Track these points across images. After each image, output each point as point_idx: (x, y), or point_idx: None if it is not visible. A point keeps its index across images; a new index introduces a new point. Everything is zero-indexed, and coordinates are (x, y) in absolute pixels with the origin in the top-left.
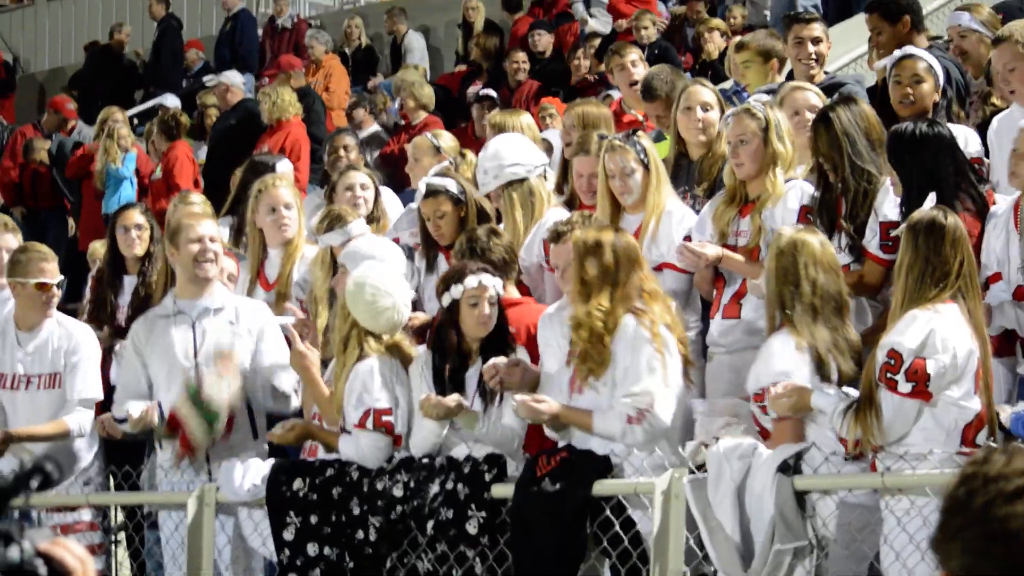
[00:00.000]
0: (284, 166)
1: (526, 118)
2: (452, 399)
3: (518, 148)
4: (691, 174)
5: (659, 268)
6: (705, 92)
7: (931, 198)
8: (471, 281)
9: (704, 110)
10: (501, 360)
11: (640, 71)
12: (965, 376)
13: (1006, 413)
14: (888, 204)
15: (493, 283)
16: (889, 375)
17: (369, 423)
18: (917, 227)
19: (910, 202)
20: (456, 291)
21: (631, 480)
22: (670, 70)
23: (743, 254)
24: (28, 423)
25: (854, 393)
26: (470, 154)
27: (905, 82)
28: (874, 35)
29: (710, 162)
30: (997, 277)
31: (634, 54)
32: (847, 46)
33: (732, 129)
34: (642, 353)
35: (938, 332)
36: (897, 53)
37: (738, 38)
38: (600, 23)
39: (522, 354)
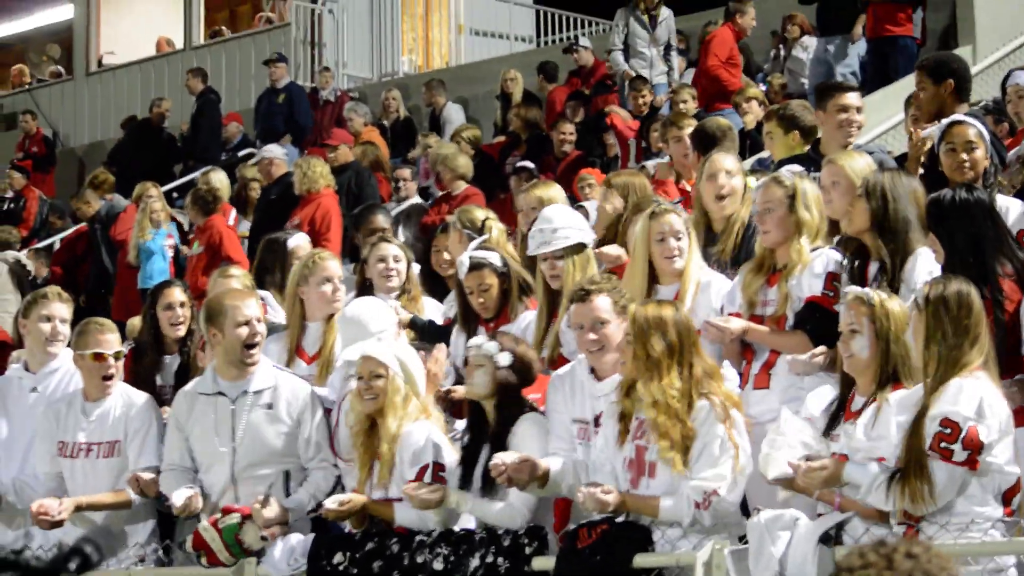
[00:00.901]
0: (298, 240)
1: (556, 190)
2: (434, 492)
3: (573, 216)
4: (715, 244)
5: None
6: (727, 160)
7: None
8: (471, 341)
9: (729, 175)
10: (509, 456)
11: None
12: (1006, 441)
13: None
14: (920, 274)
15: (485, 347)
16: (944, 444)
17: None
18: (945, 296)
19: (953, 269)
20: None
21: (672, 552)
22: None
23: (770, 323)
24: (87, 492)
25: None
26: (496, 228)
27: (960, 149)
28: (917, 90)
29: (729, 226)
30: None
31: (691, 127)
32: (883, 114)
33: (759, 197)
34: (715, 436)
35: (985, 399)
36: (945, 121)
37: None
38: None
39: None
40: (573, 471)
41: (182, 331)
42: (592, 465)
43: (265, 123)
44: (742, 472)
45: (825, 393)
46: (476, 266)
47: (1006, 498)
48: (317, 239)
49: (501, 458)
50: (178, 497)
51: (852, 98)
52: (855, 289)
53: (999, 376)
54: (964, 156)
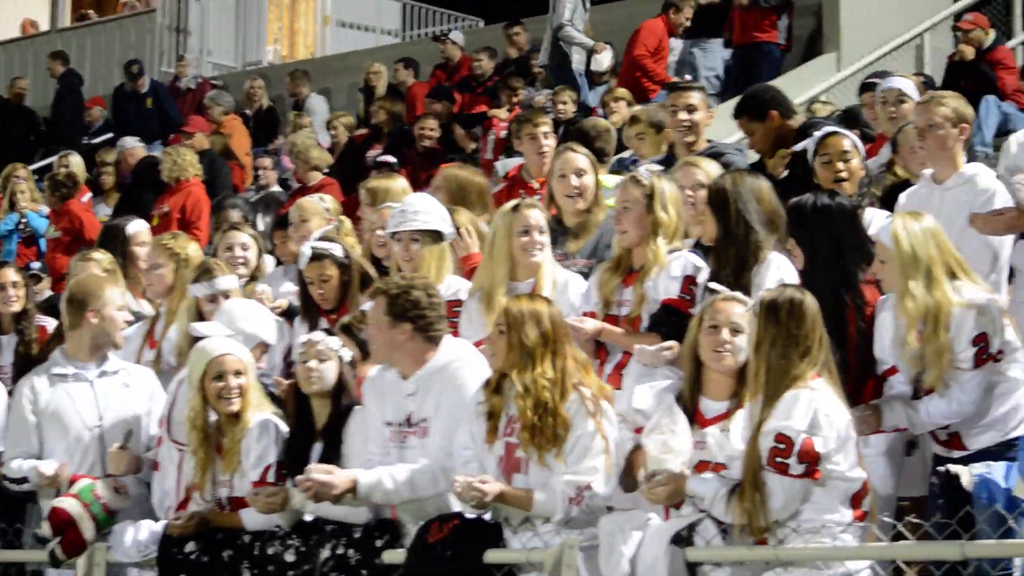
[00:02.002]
0: (137, 226)
1: (401, 182)
2: (277, 495)
3: (437, 206)
4: (565, 240)
5: None
6: (579, 159)
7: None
8: (302, 338)
9: (579, 175)
10: (318, 470)
11: (550, 143)
12: (848, 447)
13: (967, 477)
14: (769, 280)
15: (328, 342)
16: (779, 459)
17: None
18: (777, 303)
19: (815, 274)
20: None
21: (523, 550)
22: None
23: (625, 324)
24: None
25: (731, 477)
26: (347, 221)
27: (835, 159)
28: (749, 138)
29: (586, 222)
30: (893, 370)
31: (546, 126)
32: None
33: (617, 196)
34: (586, 429)
35: (821, 410)
36: (818, 133)
37: (634, 109)
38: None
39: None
40: (393, 483)
41: (15, 307)
42: (458, 464)
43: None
44: (614, 466)
45: (649, 392)
46: (317, 257)
47: (855, 501)
48: (188, 228)
49: (309, 472)
50: (47, 467)
51: (690, 96)
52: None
53: (840, 383)
54: (840, 166)
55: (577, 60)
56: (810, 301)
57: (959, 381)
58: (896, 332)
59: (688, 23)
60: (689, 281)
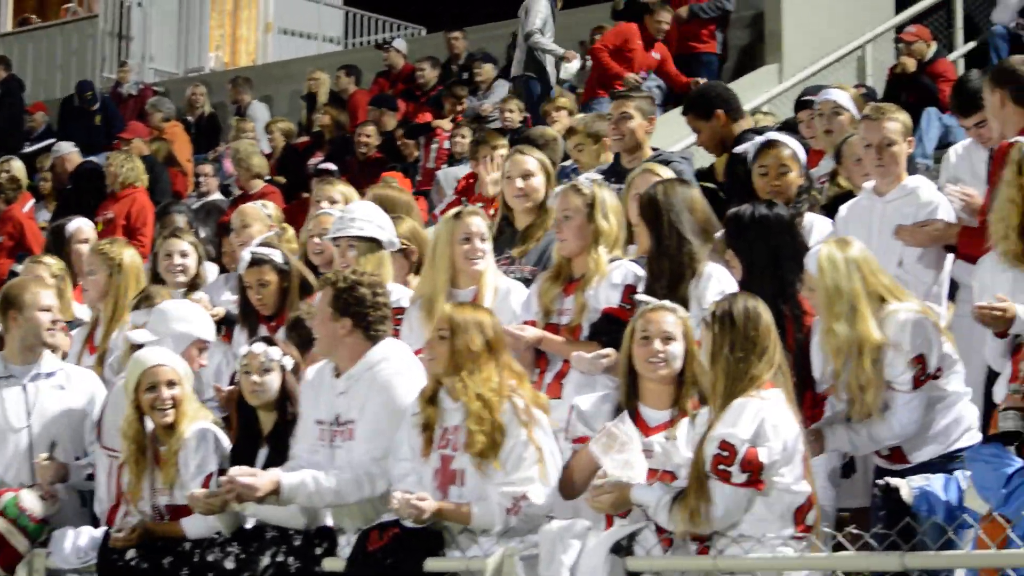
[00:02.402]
0: (78, 223)
1: (343, 189)
2: (217, 496)
3: (379, 214)
4: (514, 241)
5: None
6: (528, 161)
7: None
8: (243, 350)
9: (525, 178)
10: (240, 472)
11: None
12: (794, 460)
13: (907, 489)
14: (711, 292)
15: (270, 353)
16: (722, 467)
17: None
18: (730, 311)
19: (753, 285)
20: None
21: (462, 558)
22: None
23: (565, 333)
24: None
25: (676, 485)
26: (290, 228)
27: (772, 174)
28: (696, 135)
29: (535, 229)
30: (833, 390)
31: (504, 148)
32: (686, 128)
33: (558, 205)
34: (520, 440)
35: (768, 420)
36: (760, 140)
37: (572, 119)
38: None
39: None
40: (316, 485)
41: None
42: (395, 477)
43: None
44: (550, 475)
45: (591, 399)
46: (256, 262)
47: (799, 516)
48: (133, 234)
49: (231, 475)
50: None
51: (626, 105)
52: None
53: (794, 393)
54: (777, 182)
55: (564, 70)
56: (763, 307)
57: (899, 403)
58: (823, 363)
59: (667, 27)
60: (630, 290)
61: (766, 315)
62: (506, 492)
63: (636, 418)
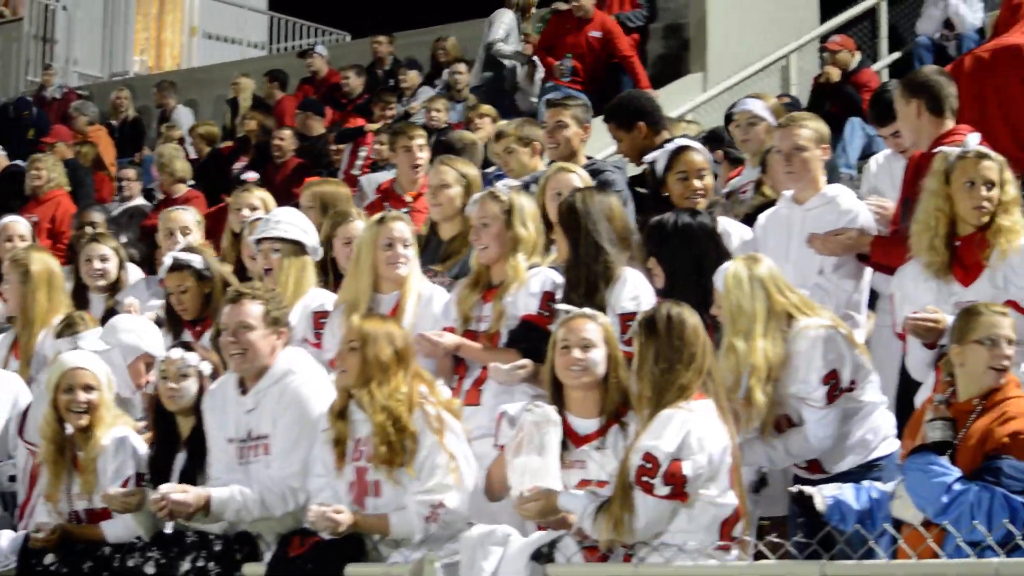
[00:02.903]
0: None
1: (262, 195)
2: (134, 495)
3: (303, 220)
4: (439, 250)
5: None
6: (445, 172)
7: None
8: (161, 355)
9: (441, 189)
10: (171, 489)
11: (424, 155)
12: (721, 473)
13: (820, 498)
14: (626, 296)
15: (187, 358)
16: (645, 478)
17: None
18: (654, 319)
19: (675, 293)
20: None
21: (382, 564)
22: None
23: (484, 339)
24: None
25: (602, 493)
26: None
27: (692, 177)
28: (617, 143)
29: (459, 241)
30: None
31: (421, 139)
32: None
33: (476, 212)
34: (434, 447)
35: (694, 433)
36: (670, 147)
37: (499, 124)
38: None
39: None
40: (244, 500)
41: None
42: (311, 492)
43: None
44: (465, 480)
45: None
46: (176, 267)
47: (725, 528)
48: (58, 237)
49: (163, 492)
50: None
51: (561, 113)
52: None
53: (723, 399)
54: (697, 183)
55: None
56: (688, 312)
57: (814, 419)
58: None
59: (589, 6)
60: (548, 297)
61: (692, 320)
62: (423, 500)
63: (565, 428)
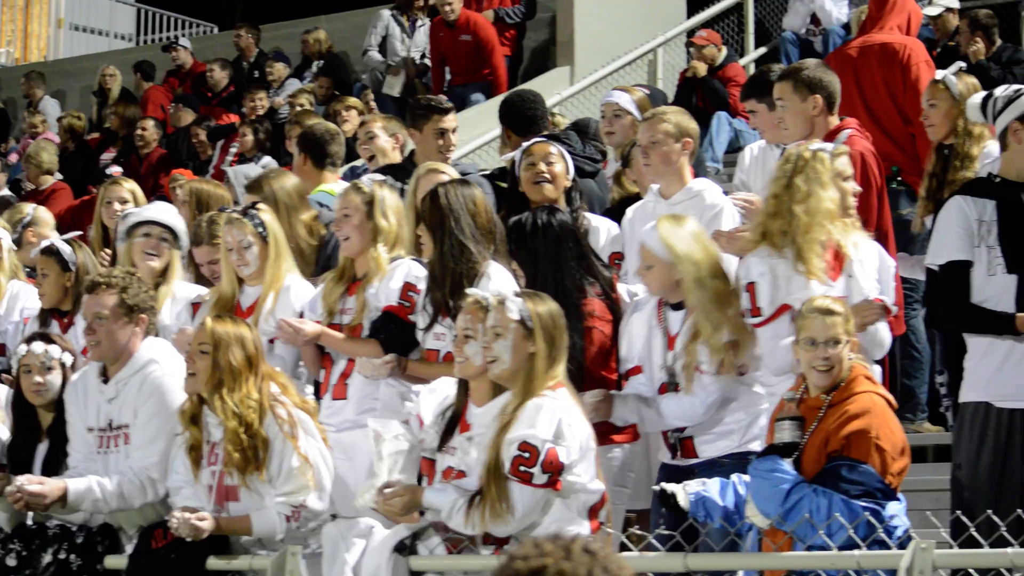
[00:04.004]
0: None
1: (132, 187)
2: None
3: (173, 213)
4: None
5: (271, 340)
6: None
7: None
8: (22, 348)
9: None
10: (28, 481)
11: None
12: (588, 459)
13: (683, 495)
14: (491, 292)
15: (50, 351)
16: (523, 468)
17: None
18: (537, 313)
19: (536, 290)
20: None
21: (245, 557)
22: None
23: (347, 331)
24: None
25: (468, 486)
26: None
27: (538, 162)
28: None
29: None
30: (637, 370)
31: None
32: (477, 130)
33: (338, 204)
34: (289, 448)
35: (564, 419)
36: (525, 144)
37: (365, 117)
38: None
39: None
40: (102, 491)
41: None
42: (172, 489)
43: None
44: (322, 480)
45: (435, 397)
46: (45, 251)
47: (592, 514)
48: None
49: (19, 484)
50: None
51: (451, 120)
52: (473, 291)
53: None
54: (543, 166)
55: (387, 84)
56: (554, 305)
57: (699, 384)
58: (683, 331)
59: (453, 10)
60: (408, 288)
61: (556, 312)
62: (283, 501)
63: (462, 417)
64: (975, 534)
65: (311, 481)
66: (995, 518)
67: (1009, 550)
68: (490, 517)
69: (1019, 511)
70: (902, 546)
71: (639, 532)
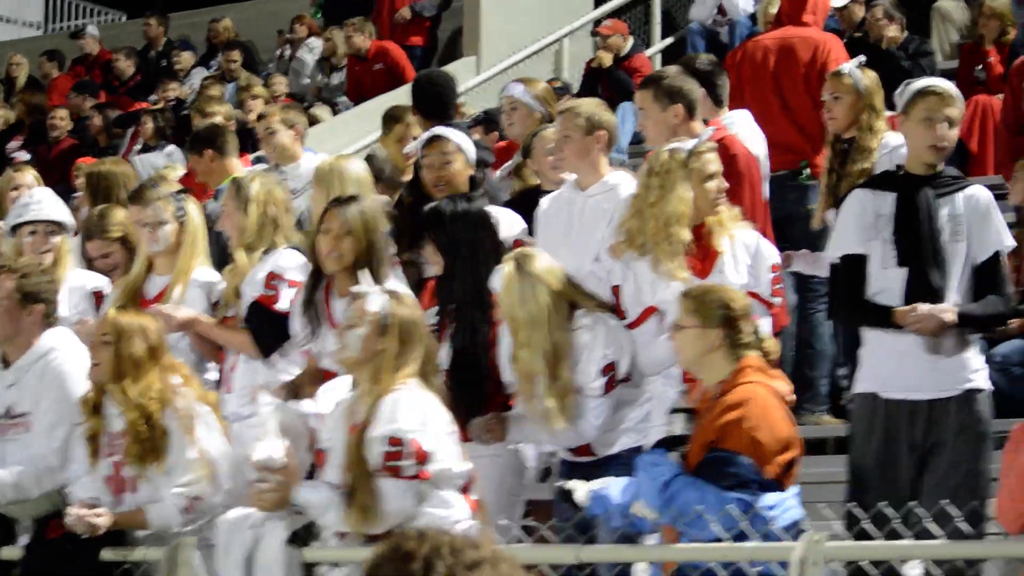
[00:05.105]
0: None
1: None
2: None
3: (58, 201)
4: None
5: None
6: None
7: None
8: None
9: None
10: None
11: None
12: (449, 442)
13: (582, 492)
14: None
15: None
16: (392, 463)
17: None
18: (393, 313)
19: (453, 277)
20: None
21: (140, 548)
22: None
23: (229, 323)
24: None
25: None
26: None
27: (436, 165)
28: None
29: None
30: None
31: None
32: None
33: (223, 200)
34: (185, 439)
35: (423, 409)
36: (424, 136)
37: (264, 107)
38: None
39: None
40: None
41: None
42: (70, 478)
43: None
44: (219, 472)
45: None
46: None
47: (465, 490)
48: None
49: None
50: None
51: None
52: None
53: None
54: (441, 173)
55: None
56: (410, 303)
57: (588, 407)
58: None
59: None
60: (271, 277)
61: (412, 312)
62: (179, 493)
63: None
64: (867, 526)
65: (207, 474)
66: (886, 510)
67: (900, 542)
68: (360, 514)
69: (910, 504)
70: (796, 538)
71: (532, 523)
